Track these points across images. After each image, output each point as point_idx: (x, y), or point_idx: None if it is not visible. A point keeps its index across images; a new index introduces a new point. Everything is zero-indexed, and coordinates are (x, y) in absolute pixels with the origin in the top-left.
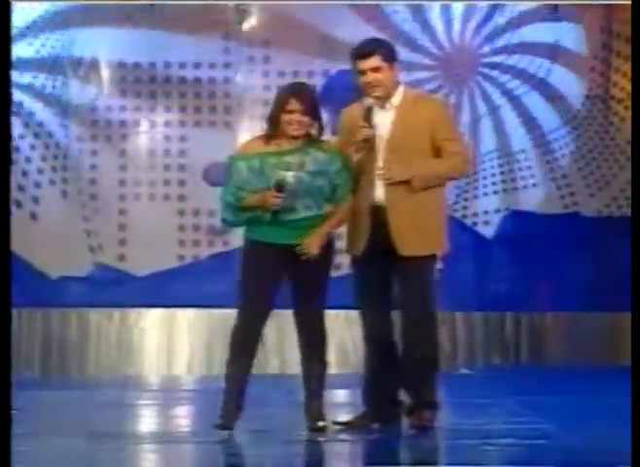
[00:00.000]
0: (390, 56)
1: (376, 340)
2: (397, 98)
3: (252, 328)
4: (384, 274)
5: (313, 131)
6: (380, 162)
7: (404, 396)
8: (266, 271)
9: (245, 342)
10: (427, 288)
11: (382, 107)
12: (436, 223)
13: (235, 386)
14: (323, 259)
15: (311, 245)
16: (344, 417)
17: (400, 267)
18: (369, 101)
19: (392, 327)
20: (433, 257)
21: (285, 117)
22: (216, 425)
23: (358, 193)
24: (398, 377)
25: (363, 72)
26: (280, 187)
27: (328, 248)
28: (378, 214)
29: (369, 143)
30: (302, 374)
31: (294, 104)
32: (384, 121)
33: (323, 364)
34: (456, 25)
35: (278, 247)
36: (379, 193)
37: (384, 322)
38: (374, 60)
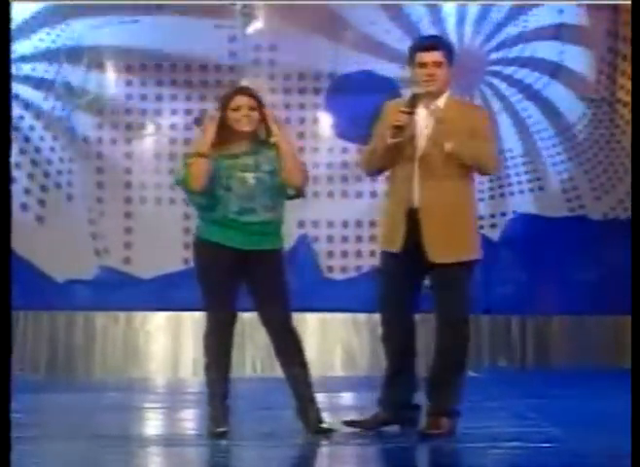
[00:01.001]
0: (451, 56)
1: (393, 341)
2: (442, 102)
3: (222, 330)
4: (413, 278)
5: (261, 134)
6: (417, 164)
7: (418, 400)
8: (225, 275)
9: (219, 345)
10: (461, 295)
11: (426, 107)
12: (469, 228)
13: (219, 390)
14: (278, 261)
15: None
16: (354, 417)
17: (436, 272)
18: (419, 89)
19: (412, 330)
20: (469, 263)
21: (232, 114)
22: (211, 433)
23: (394, 192)
24: (414, 380)
25: (424, 64)
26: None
27: (280, 250)
28: (415, 217)
29: (403, 131)
30: (287, 380)
31: (239, 100)
32: (425, 121)
33: (304, 367)
34: (467, 28)
35: (235, 251)
36: (417, 195)
37: (403, 324)
38: (438, 54)
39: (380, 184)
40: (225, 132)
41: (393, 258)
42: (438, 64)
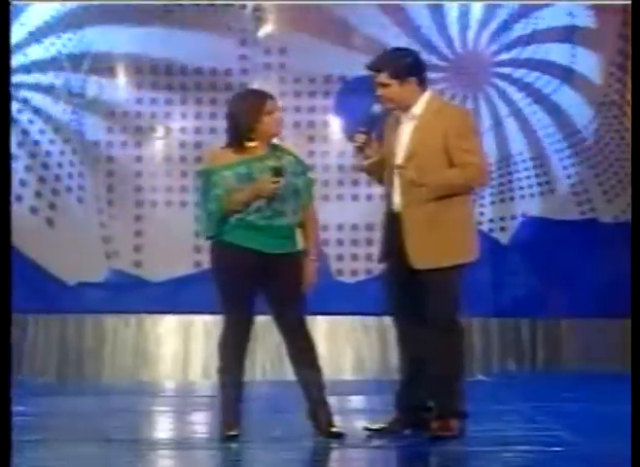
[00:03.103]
0: (401, 73)
1: (406, 345)
2: (419, 107)
3: (238, 334)
4: (410, 281)
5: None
6: (398, 174)
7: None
8: (246, 278)
9: (234, 349)
10: (448, 299)
11: (405, 116)
12: (456, 232)
13: (232, 393)
14: (297, 264)
15: (312, 279)
16: (376, 424)
17: (420, 277)
18: (376, 108)
19: (422, 331)
20: (455, 267)
21: (266, 118)
22: (224, 437)
23: (384, 198)
24: (427, 382)
25: (375, 84)
26: (278, 171)
27: (300, 254)
28: (397, 222)
29: (364, 150)
30: (300, 382)
31: (272, 104)
32: (405, 129)
33: (317, 370)
34: (472, 31)
35: (259, 254)
36: (398, 200)
37: (413, 327)
38: (382, 77)
39: None
40: (249, 135)
41: (385, 263)
42: (383, 85)
